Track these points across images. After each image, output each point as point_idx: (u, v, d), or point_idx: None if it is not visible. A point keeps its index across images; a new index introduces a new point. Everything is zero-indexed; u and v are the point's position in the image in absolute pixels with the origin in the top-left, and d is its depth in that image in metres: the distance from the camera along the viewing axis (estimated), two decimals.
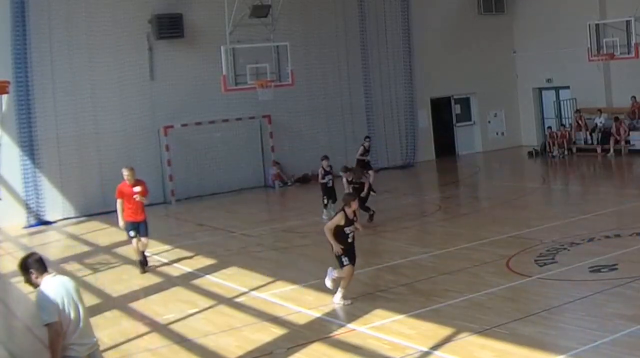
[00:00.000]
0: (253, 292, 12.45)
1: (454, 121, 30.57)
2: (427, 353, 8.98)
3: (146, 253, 14.81)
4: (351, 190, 16.52)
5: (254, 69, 21.92)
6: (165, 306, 12.18)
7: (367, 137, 22.10)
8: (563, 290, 11.12)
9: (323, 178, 18.34)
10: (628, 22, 24.20)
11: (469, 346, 9.05)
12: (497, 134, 31.02)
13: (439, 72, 28.80)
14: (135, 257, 14.72)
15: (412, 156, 28.48)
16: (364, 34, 27.62)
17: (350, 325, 10.28)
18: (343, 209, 11.02)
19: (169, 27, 23.66)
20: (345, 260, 11.01)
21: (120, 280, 14.29)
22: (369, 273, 12.95)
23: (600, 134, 26.82)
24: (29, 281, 6.73)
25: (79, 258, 16.71)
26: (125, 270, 15.03)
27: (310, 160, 25.66)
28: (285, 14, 23.34)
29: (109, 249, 17.34)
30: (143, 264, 14.60)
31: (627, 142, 26.13)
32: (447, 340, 9.30)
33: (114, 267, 15.58)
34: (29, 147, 21.89)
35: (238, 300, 12.13)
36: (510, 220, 16.85)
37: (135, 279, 14.17)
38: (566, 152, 27.13)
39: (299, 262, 14.69)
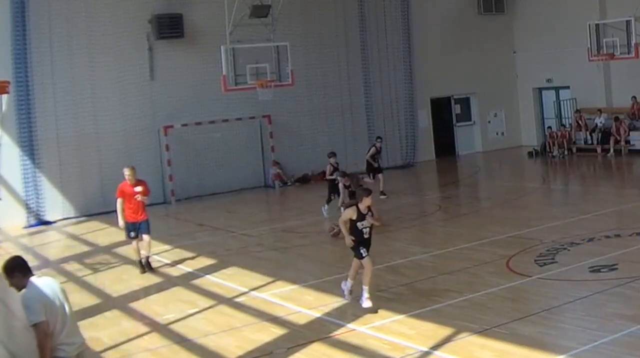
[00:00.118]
0: (253, 292, 12.45)
1: (454, 121, 30.58)
2: (427, 353, 8.98)
3: (149, 259, 14.71)
4: (347, 195, 16.51)
5: (254, 69, 21.92)
6: (165, 306, 12.18)
7: (379, 137, 21.95)
8: (563, 290, 11.11)
9: (331, 174, 18.38)
10: (628, 22, 24.18)
11: (469, 346, 9.05)
12: (497, 134, 31.03)
13: (439, 72, 28.80)
14: (135, 257, 14.71)
15: (412, 156, 28.49)
16: (364, 34, 27.63)
17: (350, 325, 10.28)
18: (356, 204, 10.96)
19: (169, 27, 23.67)
20: (363, 251, 10.83)
21: (120, 280, 14.28)
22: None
23: (600, 134, 26.82)
24: (13, 284, 6.75)
25: (79, 258, 16.71)
26: (125, 270, 15.02)
27: (310, 160, 25.73)
28: (285, 14, 23.34)
29: (109, 249, 17.34)
30: (146, 265, 14.52)
31: (627, 142, 26.13)
32: (447, 340, 9.30)
33: (114, 267, 15.58)
34: (29, 147, 21.89)
35: (238, 300, 12.12)
36: (510, 220, 16.85)
37: (135, 279, 14.17)
38: (566, 152, 27.14)
39: (299, 262, 14.69)
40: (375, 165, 20.75)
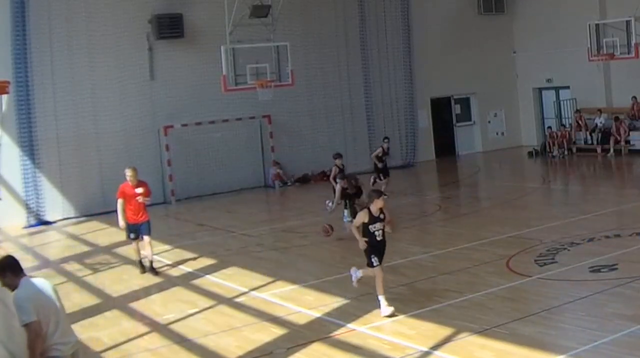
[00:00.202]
0: (253, 292, 12.45)
1: (454, 121, 30.57)
2: (427, 353, 8.98)
3: (153, 264, 14.56)
4: (340, 197, 16.37)
5: (254, 69, 21.93)
6: (165, 306, 12.18)
7: (386, 138, 21.65)
8: (563, 290, 11.11)
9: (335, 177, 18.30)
10: (628, 22, 24.19)
11: (469, 346, 9.05)
12: (497, 134, 31.03)
13: (439, 72, 28.81)
14: (135, 257, 14.69)
15: (412, 156, 28.50)
16: (364, 34, 27.63)
17: (350, 325, 10.27)
18: (368, 206, 10.70)
19: (169, 27, 23.67)
20: (375, 260, 10.61)
21: (120, 280, 14.28)
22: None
23: (600, 134, 26.82)
24: (5, 284, 6.74)
25: (79, 258, 16.71)
26: (125, 270, 15.02)
27: (310, 160, 25.74)
28: (285, 14, 23.34)
29: (109, 249, 17.34)
30: (150, 270, 14.44)
31: (627, 142, 26.13)
32: (447, 340, 9.30)
33: (114, 267, 15.58)
34: (29, 147, 21.89)
35: (238, 300, 12.12)
36: (510, 220, 16.85)
37: (135, 279, 14.17)
38: (566, 152, 27.13)
39: (299, 262, 14.69)
40: (380, 165, 20.66)
